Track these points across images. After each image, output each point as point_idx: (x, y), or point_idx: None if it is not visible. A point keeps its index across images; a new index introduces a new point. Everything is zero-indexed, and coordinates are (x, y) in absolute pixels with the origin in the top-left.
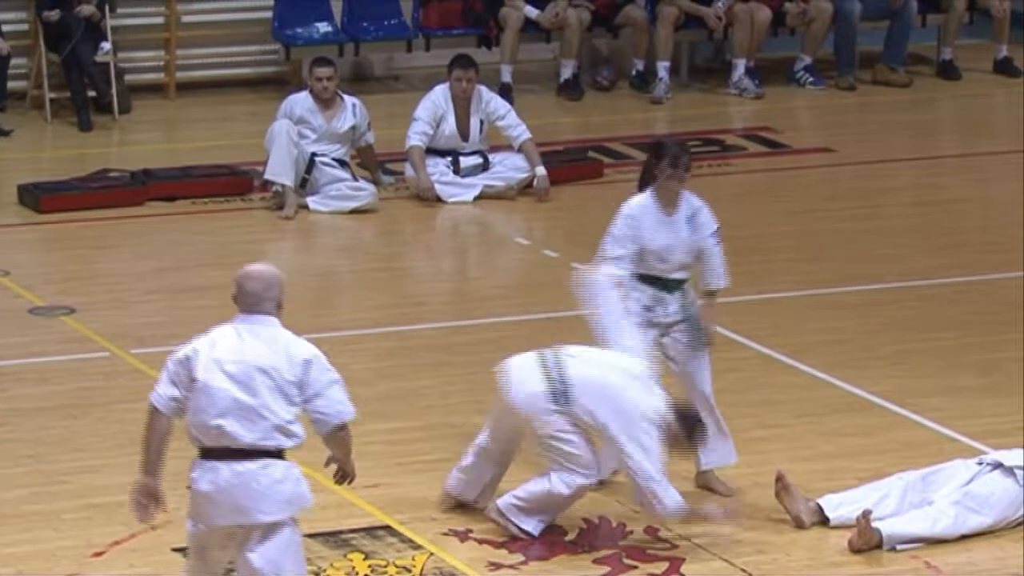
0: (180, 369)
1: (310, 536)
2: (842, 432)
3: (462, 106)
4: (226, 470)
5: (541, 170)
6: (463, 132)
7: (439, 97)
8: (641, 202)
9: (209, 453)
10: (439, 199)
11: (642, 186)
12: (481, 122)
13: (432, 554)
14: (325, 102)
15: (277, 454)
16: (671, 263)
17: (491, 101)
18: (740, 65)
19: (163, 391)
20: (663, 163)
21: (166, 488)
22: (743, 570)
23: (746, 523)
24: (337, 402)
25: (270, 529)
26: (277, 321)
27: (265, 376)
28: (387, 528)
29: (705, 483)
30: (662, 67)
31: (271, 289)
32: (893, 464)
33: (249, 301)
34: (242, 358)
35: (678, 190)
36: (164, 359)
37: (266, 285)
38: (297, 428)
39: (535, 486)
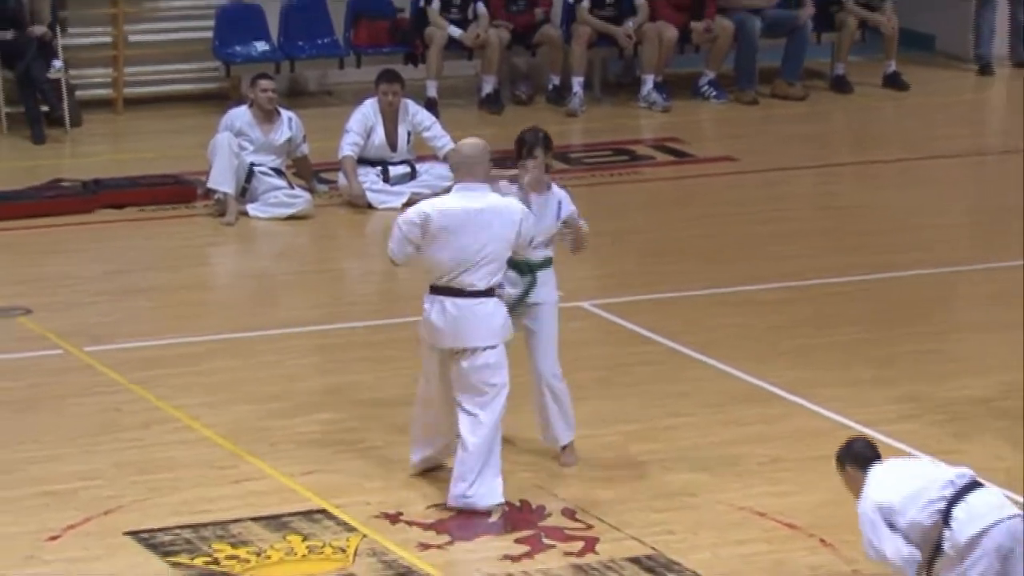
0: (414, 229)
1: (253, 520)
2: (745, 421)
3: (390, 118)
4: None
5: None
6: (391, 143)
7: (368, 110)
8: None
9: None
10: (370, 205)
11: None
12: (408, 133)
13: (365, 536)
14: (265, 114)
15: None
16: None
17: (417, 113)
18: (649, 80)
19: (398, 249)
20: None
21: (113, 478)
22: (652, 548)
23: (657, 505)
24: None
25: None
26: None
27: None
28: (323, 512)
29: (561, 452)
30: (576, 82)
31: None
32: (791, 449)
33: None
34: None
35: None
36: (115, 356)
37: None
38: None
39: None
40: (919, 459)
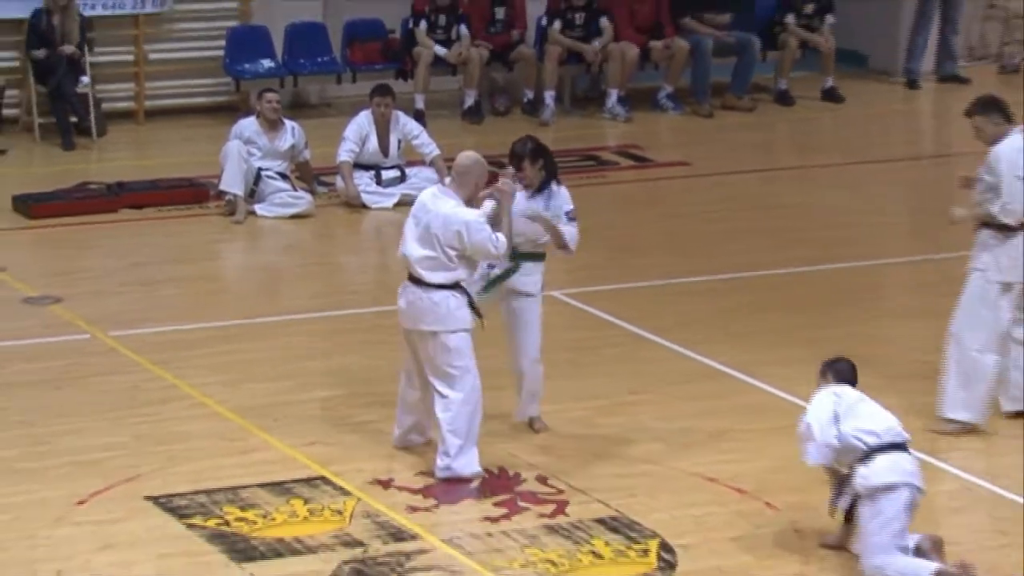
0: None
1: (259, 486)
2: (697, 396)
3: (382, 127)
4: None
5: (448, 180)
6: (384, 149)
7: (363, 120)
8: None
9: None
10: (364, 206)
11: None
12: (399, 141)
13: (360, 500)
14: (271, 123)
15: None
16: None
17: (407, 123)
18: (613, 94)
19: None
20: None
21: (134, 449)
22: (616, 510)
23: (620, 472)
24: None
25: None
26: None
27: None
28: (322, 478)
29: (530, 424)
30: (548, 96)
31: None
32: (738, 422)
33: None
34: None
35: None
36: (136, 340)
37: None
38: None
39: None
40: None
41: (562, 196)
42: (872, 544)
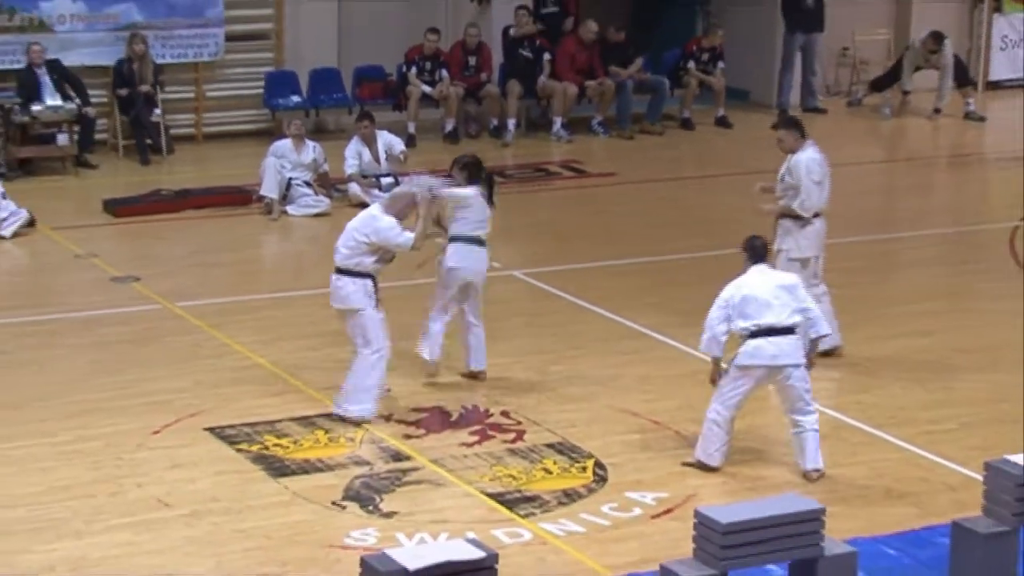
0: None
1: (290, 420)
2: (624, 351)
3: (370, 143)
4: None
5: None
6: (376, 159)
7: (356, 142)
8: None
9: None
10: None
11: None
12: (386, 151)
13: (368, 430)
14: (298, 143)
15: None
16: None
17: (387, 137)
18: (557, 121)
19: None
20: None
21: (195, 392)
22: (561, 437)
23: (564, 408)
24: None
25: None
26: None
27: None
28: (338, 414)
29: (470, 374)
30: (510, 123)
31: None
32: (655, 370)
33: None
34: None
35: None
36: (197, 309)
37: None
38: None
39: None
40: (787, 279)
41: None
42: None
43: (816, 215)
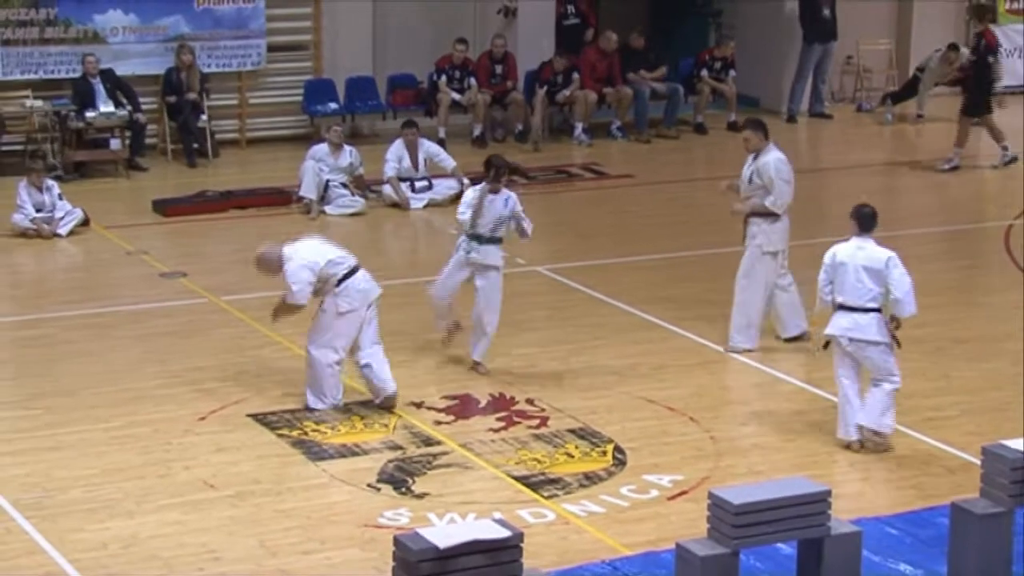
0: None
1: (329, 407)
2: (640, 341)
3: (412, 149)
4: None
5: (464, 180)
6: (414, 165)
7: (398, 145)
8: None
9: None
10: (395, 205)
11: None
12: (424, 159)
13: (400, 416)
14: (335, 148)
15: None
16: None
17: (430, 146)
18: (579, 126)
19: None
20: (490, 172)
21: (239, 380)
22: (582, 423)
23: (585, 395)
24: None
25: None
26: None
27: None
28: (373, 402)
29: (475, 368)
30: (535, 128)
31: None
32: (669, 359)
33: None
34: None
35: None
36: (240, 302)
37: None
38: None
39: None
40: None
41: (512, 196)
42: None
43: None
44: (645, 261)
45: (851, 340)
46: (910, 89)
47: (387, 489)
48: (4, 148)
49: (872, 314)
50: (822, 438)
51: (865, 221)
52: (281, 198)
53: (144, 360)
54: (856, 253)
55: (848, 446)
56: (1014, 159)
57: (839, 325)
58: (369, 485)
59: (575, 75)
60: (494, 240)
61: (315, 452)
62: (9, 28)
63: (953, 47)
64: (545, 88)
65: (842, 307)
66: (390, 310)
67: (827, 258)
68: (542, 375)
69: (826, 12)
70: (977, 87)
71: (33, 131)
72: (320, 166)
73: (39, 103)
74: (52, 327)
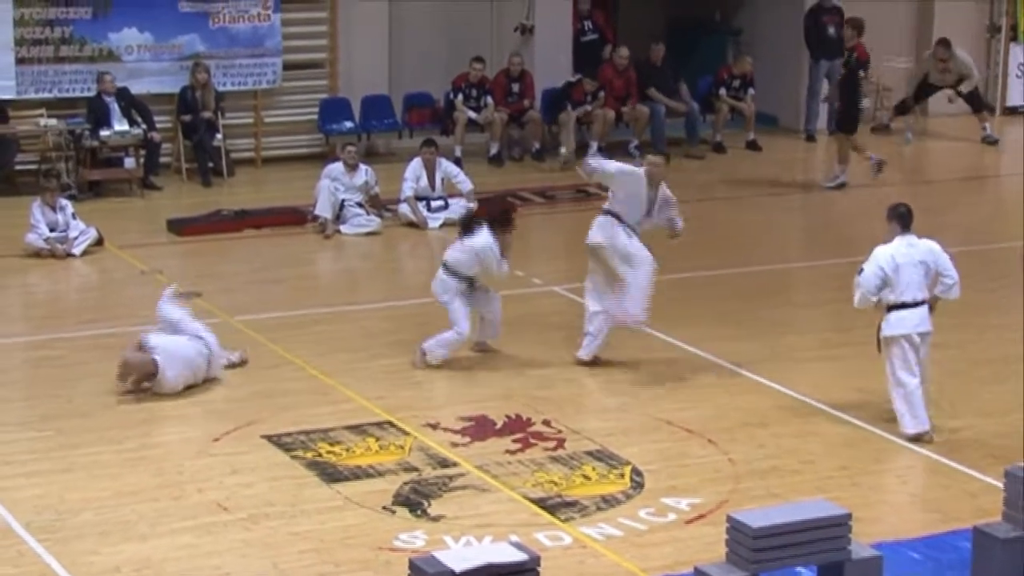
0: None
1: (343, 428)
2: (657, 361)
3: (430, 169)
4: None
5: (473, 206)
6: (432, 184)
7: (416, 164)
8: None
9: None
10: (411, 224)
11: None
12: (442, 179)
13: (416, 438)
14: (350, 167)
15: None
16: None
17: (448, 166)
18: (594, 145)
19: None
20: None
21: (253, 401)
22: (600, 445)
23: (602, 416)
24: None
25: None
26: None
27: None
28: (389, 423)
29: (481, 347)
30: (563, 149)
31: None
32: (688, 379)
33: None
34: None
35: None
36: (255, 322)
37: None
38: None
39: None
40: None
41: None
42: None
43: None
44: (662, 280)
45: (920, 335)
46: (914, 98)
47: (402, 511)
48: (18, 167)
49: (926, 305)
50: (842, 460)
51: (906, 219)
52: (296, 217)
53: None
54: (909, 251)
55: (920, 437)
56: (843, 184)
57: (908, 323)
58: (384, 507)
59: (601, 94)
60: (458, 276)
61: (330, 474)
62: (24, 47)
63: (944, 43)
64: (578, 110)
65: (903, 305)
66: (405, 330)
67: (883, 261)
68: (559, 396)
69: (831, 30)
70: (849, 102)
71: (47, 150)
72: (335, 185)
73: (53, 122)
74: (65, 347)
